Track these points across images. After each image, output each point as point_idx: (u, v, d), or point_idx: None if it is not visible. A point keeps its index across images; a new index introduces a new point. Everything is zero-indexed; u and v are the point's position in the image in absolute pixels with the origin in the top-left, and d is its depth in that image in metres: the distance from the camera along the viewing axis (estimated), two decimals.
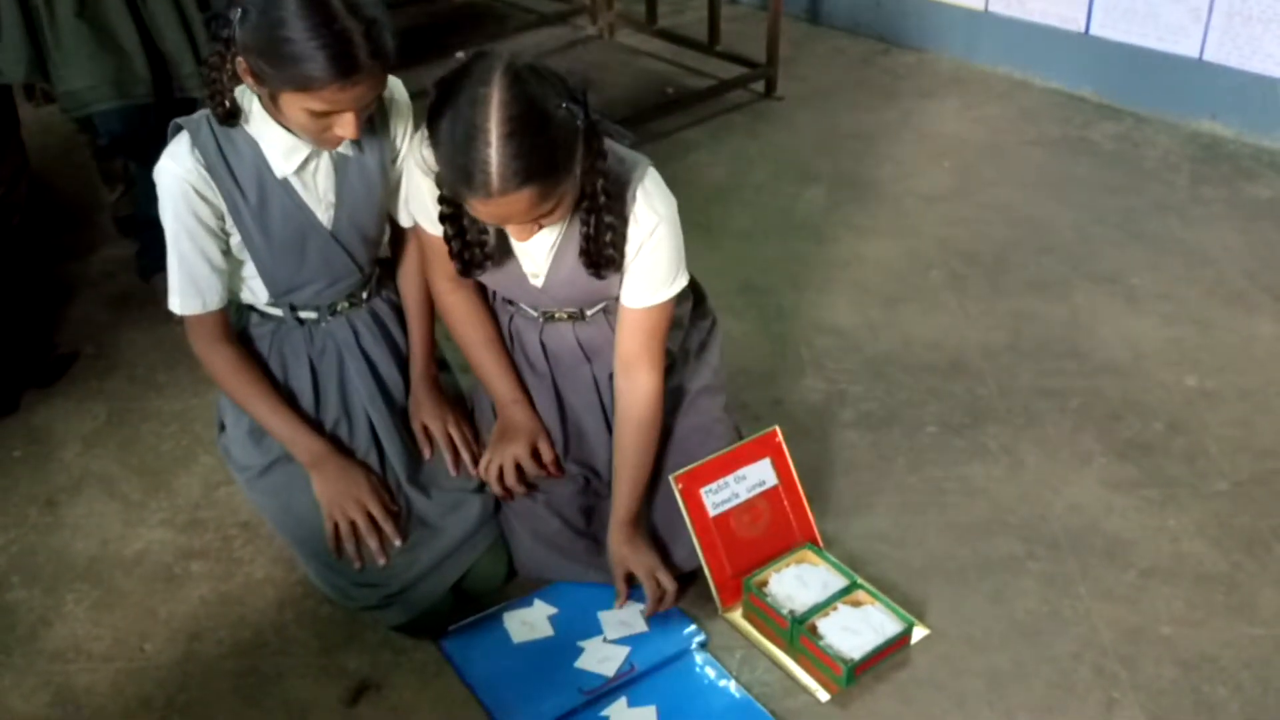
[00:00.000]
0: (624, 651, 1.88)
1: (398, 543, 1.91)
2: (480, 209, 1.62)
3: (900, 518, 2.19)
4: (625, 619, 1.93)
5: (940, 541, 2.13)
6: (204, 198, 1.77)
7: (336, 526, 1.90)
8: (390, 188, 1.92)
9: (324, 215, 1.86)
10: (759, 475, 2.00)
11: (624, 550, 1.91)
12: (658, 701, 1.80)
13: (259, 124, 1.77)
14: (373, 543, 1.89)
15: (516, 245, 1.82)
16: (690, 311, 2.06)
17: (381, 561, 1.89)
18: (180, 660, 1.93)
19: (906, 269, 3.05)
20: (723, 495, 1.96)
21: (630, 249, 1.78)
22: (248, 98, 1.76)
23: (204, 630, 1.99)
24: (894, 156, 3.66)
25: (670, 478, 1.92)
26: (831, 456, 2.33)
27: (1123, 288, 2.92)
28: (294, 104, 1.64)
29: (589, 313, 1.93)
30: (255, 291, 1.91)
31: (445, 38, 4.26)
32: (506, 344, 2.02)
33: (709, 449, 1.97)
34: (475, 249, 1.79)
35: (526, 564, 2.01)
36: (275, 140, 1.77)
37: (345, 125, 1.67)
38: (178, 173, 1.75)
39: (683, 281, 1.85)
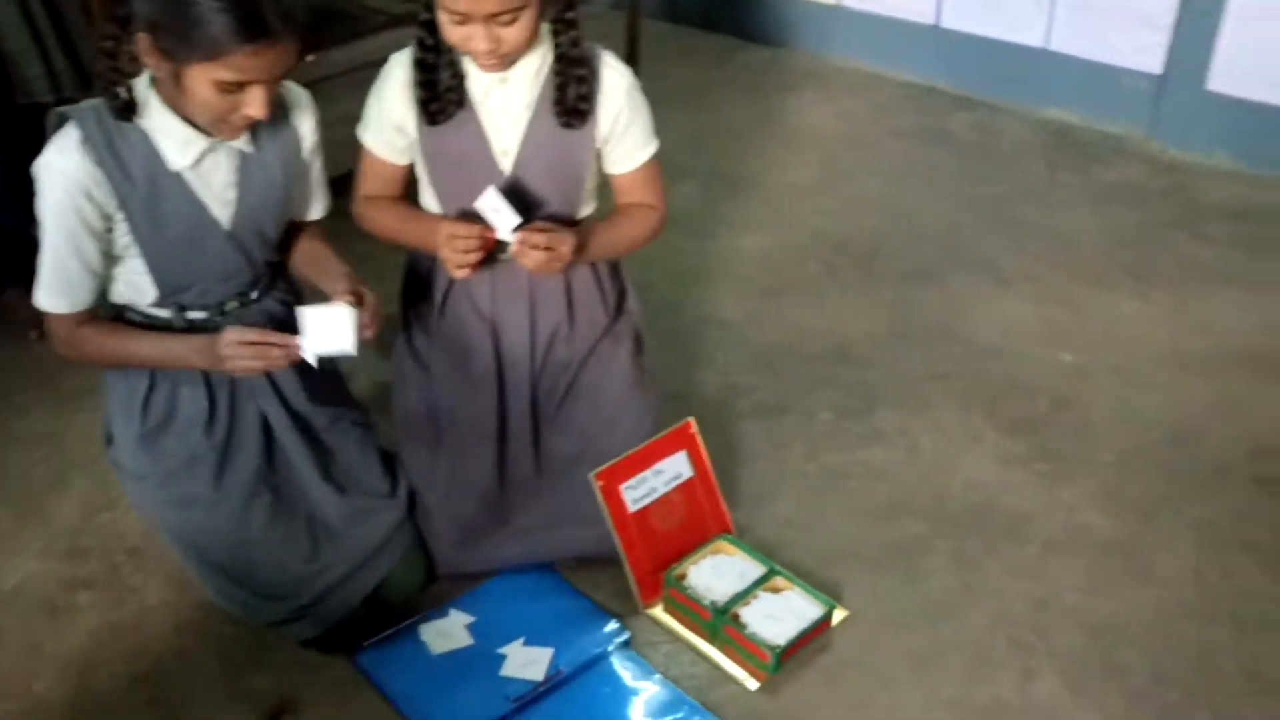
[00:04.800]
0: (548, 654, 1.85)
1: (289, 344, 1.73)
2: None
3: (806, 504, 2.21)
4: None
5: (848, 525, 2.16)
6: (91, 198, 1.66)
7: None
8: (291, 187, 1.85)
9: (222, 213, 1.77)
10: (675, 468, 2.00)
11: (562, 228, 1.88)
12: (587, 703, 1.78)
13: (154, 116, 1.67)
14: (274, 353, 1.72)
15: (488, 119, 1.86)
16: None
17: (285, 361, 1.73)
18: (74, 698, 1.82)
19: (784, 261, 3.09)
20: (641, 490, 1.94)
21: (609, 106, 1.88)
22: (143, 89, 1.67)
23: (98, 663, 1.87)
24: (761, 151, 3.71)
25: (590, 476, 1.89)
26: (733, 448, 2.34)
27: (993, 272, 3.02)
28: (201, 78, 1.56)
29: None
30: (141, 290, 1.80)
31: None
32: (443, 288, 2.01)
33: (635, 442, 1.97)
34: (447, 92, 1.84)
35: (443, 556, 1.96)
36: (170, 132, 1.68)
37: (254, 103, 1.60)
38: (66, 170, 1.64)
39: (656, 142, 1.97)
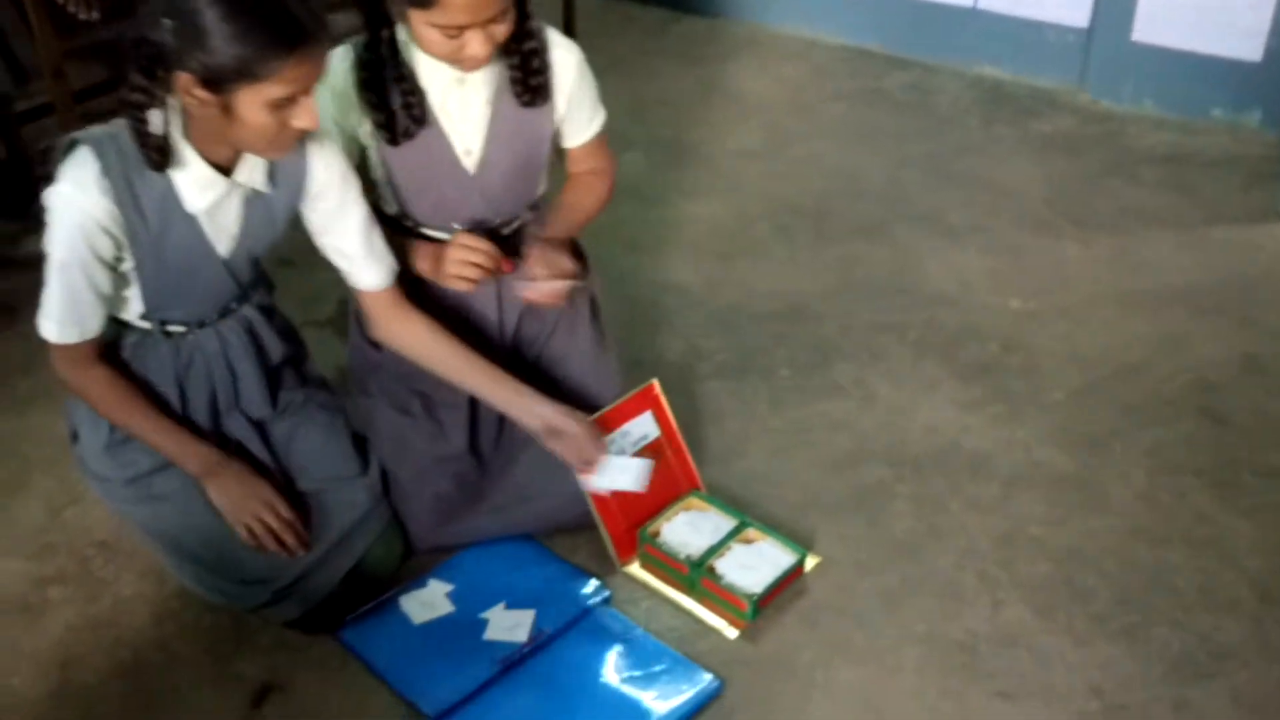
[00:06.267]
0: (530, 616, 1.87)
1: (307, 537, 1.84)
2: (454, 2, 1.66)
3: (772, 458, 2.26)
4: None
5: (813, 476, 2.21)
6: (107, 232, 1.65)
7: (251, 533, 1.82)
8: (288, 221, 1.84)
9: (223, 246, 1.77)
10: (642, 429, 2.03)
11: (549, 240, 1.94)
12: (572, 660, 1.81)
13: (181, 161, 1.66)
14: (289, 538, 1.82)
15: (449, 124, 1.87)
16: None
17: (302, 552, 1.83)
18: (55, 692, 1.81)
19: (734, 225, 3.12)
20: (611, 452, 1.97)
21: (563, 84, 1.92)
22: (175, 135, 1.65)
23: (76, 658, 1.86)
24: (704, 119, 3.74)
25: None
26: (698, 408, 2.37)
27: (939, 225, 3.08)
28: (253, 102, 1.55)
29: (505, 231, 1.98)
30: (128, 305, 1.80)
31: None
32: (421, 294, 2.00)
33: (600, 405, 1.99)
34: (404, 111, 1.82)
35: (420, 535, 1.98)
36: (195, 176, 1.67)
37: (304, 114, 1.59)
38: (84, 207, 1.61)
39: (604, 111, 2.04)
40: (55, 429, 2.18)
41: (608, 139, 2.06)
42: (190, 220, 1.71)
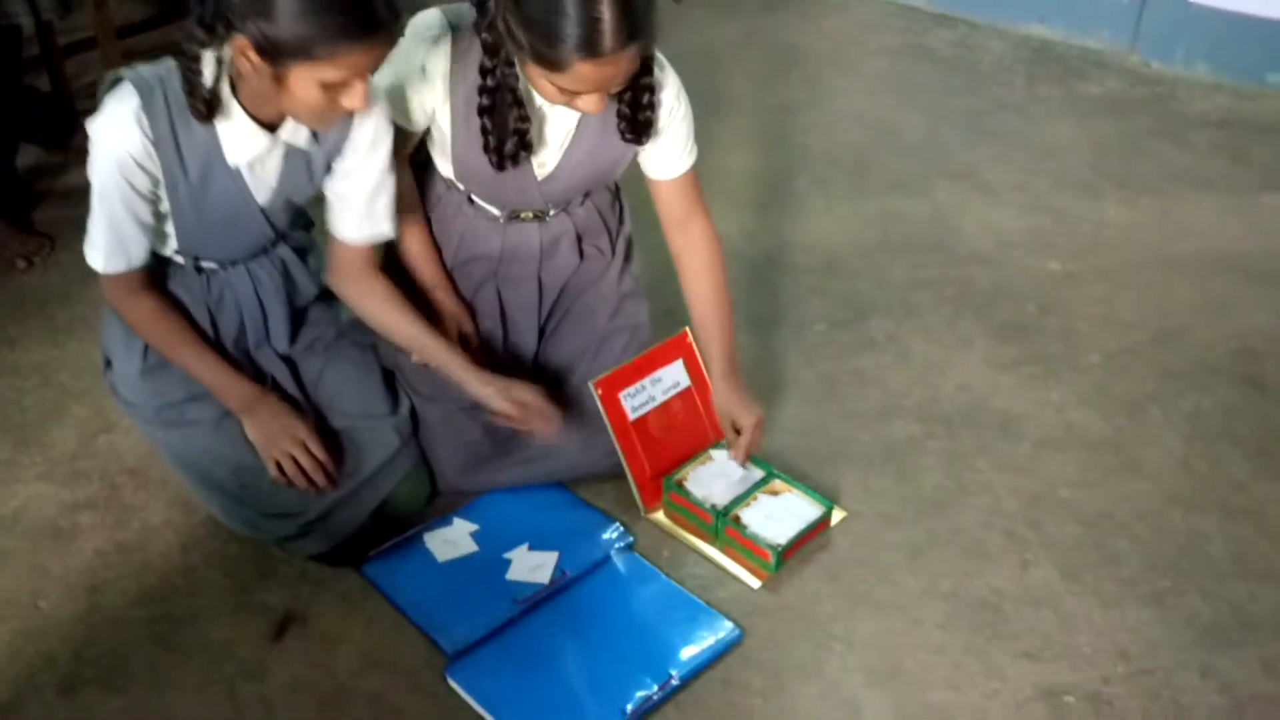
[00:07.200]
0: (553, 558, 1.87)
1: (337, 477, 1.84)
2: (583, 72, 1.56)
3: (801, 411, 2.24)
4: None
5: (842, 429, 2.19)
6: (142, 168, 1.64)
7: (281, 469, 1.82)
8: (326, 175, 1.82)
9: (261, 197, 1.76)
10: (673, 377, 2.01)
11: (730, 402, 1.95)
12: (593, 604, 1.81)
13: (227, 113, 1.64)
14: (319, 477, 1.82)
15: (531, 133, 1.78)
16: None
17: (331, 490, 1.83)
18: (83, 614, 1.83)
19: (772, 177, 3.09)
20: (640, 399, 1.96)
21: (663, 117, 1.82)
22: (223, 89, 1.62)
23: (104, 582, 1.88)
24: (744, 71, 3.70)
25: (590, 383, 1.91)
26: None
27: (978, 183, 3.03)
28: (307, 79, 1.51)
29: (553, 213, 1.94)
30: (166, 242, 1.80)
31: None
32: (454, 247, 1.98)
33: (631, 351, 1.98)
34: (516, 137, 1.74)
35: (448, 478, 1.97)
36: (240, 129, 1.65)
37: (355, 96, 1.56)
38: (120, 141, 1.60)
39: (696, 149, 1.91)
40: (92, 358, 2.20)
41: (699, 180, 1.96)
42: (232, 173, 1.70)
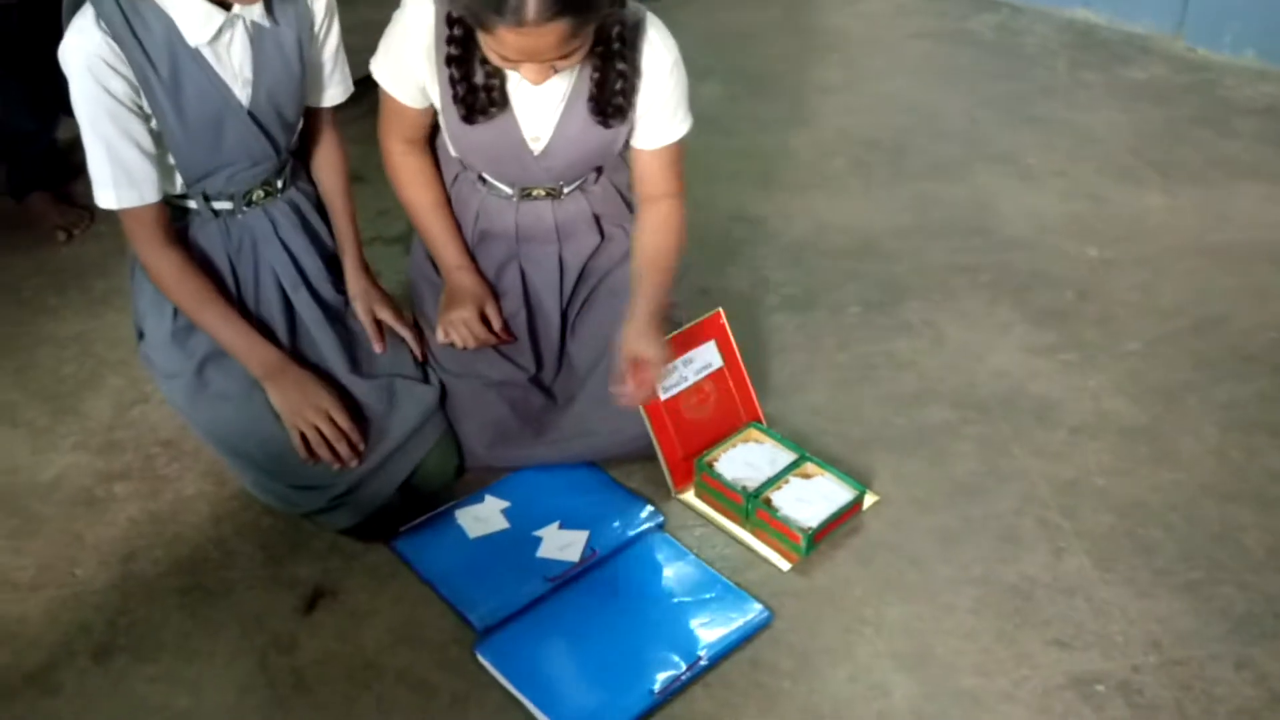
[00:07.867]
0: (583, 536, 1.87)
1: (362, 449, 1.85)
2: (507, 39, 1.55)
3: (836, 393, 2.22)
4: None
5: (876, 413, 2.18)
6: (116, 70, 1.65)
7: (304, 438, 1.83)
8: (307, 68, 1.84)
9: (241, 93, 1.77)
10: (705, 358, 2.00)
11: (642, 338, 1.83)
12: (622, 583, 1.80)
13: None
14: (342, 448, 1.83)
15: (520, 106, 1.79)
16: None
17: (355, 464, 1.83)
18: (117, 582, 1.85)
19: (810, 158, 3.07)
20: (672, 379, 1.95)
21: (642, 94, 1.79)
22: None
23: (138, 551, 1.90)
24: (782, 52, 3.67)
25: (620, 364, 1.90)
26: (763, 340, 2.35)
27: (1018, 167, 3.00)
28: None
29: (566, 190, 1.94)
30: (173, 178, 1.82)
31: None
32: (471, 225, 1.98)
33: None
34: (484, 93, 1.75)
35: (475, 453, 1.98)
36: (189, 7, 1.67)
37: None
38: (85, 47, 1.63)
39: (690, 120, 1.89)
40: (128, 330, 2.22)
41: (684, 154, 1.92)
42: (199, 59, 1.71)
